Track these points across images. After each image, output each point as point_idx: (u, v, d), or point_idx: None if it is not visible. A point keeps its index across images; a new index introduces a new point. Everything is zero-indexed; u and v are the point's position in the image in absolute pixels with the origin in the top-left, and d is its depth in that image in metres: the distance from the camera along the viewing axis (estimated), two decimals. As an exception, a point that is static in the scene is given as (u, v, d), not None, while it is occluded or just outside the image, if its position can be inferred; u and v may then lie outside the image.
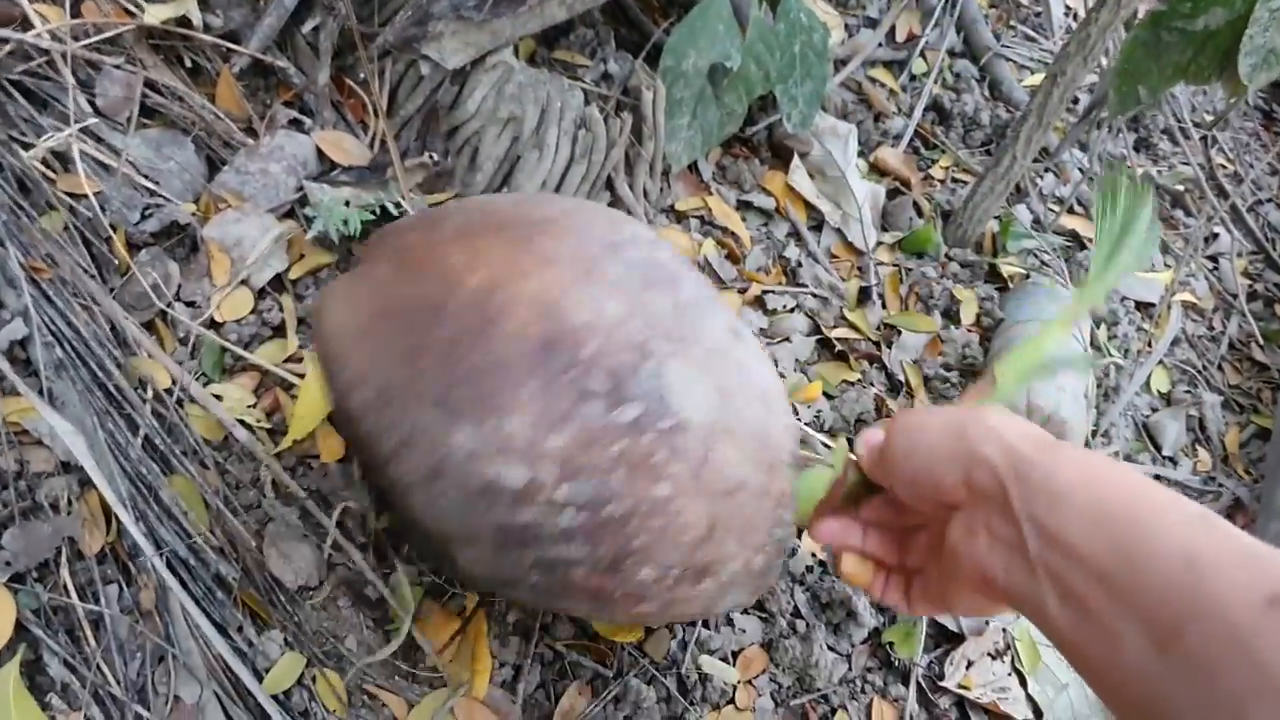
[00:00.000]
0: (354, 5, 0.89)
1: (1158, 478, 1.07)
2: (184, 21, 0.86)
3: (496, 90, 0.89)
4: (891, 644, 0.81)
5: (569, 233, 0.55)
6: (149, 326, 0.77)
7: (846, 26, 1.33)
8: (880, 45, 1.32)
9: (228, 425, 0.73)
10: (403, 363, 0.51)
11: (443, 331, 0.51)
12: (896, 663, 0.81)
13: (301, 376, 0.77)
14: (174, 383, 0.73)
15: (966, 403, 0.54)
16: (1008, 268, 1.14)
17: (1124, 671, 0.36)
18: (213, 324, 0.78)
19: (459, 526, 0.50)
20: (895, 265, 1.11)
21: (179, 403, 0.73)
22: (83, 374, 0.70)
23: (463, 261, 0.53)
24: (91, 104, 0.83)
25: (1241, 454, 1.14)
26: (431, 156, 0.90)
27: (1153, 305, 1.22)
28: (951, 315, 1.08)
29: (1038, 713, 0.83)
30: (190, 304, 0.79)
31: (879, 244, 1.12)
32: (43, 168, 0.78)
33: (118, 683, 0.61)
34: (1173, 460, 1.10)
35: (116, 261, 0.77)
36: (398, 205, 0.84)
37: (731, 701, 0.75)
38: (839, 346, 0.99)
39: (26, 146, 0.78)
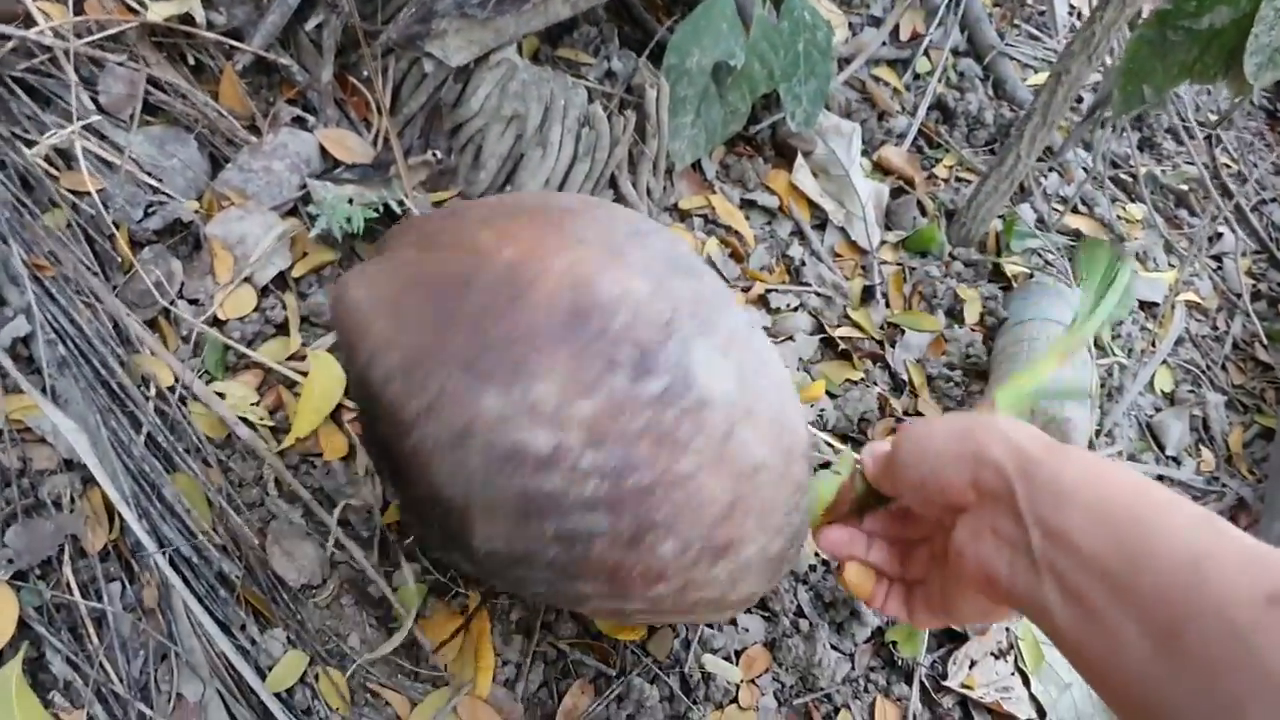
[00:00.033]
0: (357, 3, 0.89)
1: (1161, 478, 1.06)
2: (187, 19, 0.86)
3: (500, 88, 0.89)
4: (895, 643, 0.81)
5: (595, 220, 0.56)
6: (152, 324, 0.77)
7: (850, 25, 1.33)
8: (884, 44, 1.32)
9: (230, 423, 0.73)
10: (430, 330, 0.51)
11: (472, 301, 0.51)
12: (900, 662, 0.81)
13: (304, 374, 0.77)
14: (177, 380, 0.73)
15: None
16: (1011, 267, 1.14)
17: (1125, 670, 0.36)
18: (215, 322, 0.78)
19: (481, 494, 0.49)
20: (899, 264, 1.11)
21: (182, 400, 0.73)
22: (85, 371, 0.70)
23: (492, 239, 0.54)
24: (94, 101, 0.83)
25: (1245, 454, 1.14)
26: (435, 154, 0.89)
27: (1157, 305, 1.22)
28: (955, 314, 1.08)
29: (1041, 712, 0.83)
30: (193, 302, 0.79)
31: (882, 243, 1.12)
32: (45, 165, 0.78)
33: (120, 680, 0.61)
34: (1176, 460, 1.10)
35: (119, 259, 0.77)
36: (401, 203, 0.84)
37: (734, 700, 0.75)
38: (842, 345, 0.99)
39: (29, 144, 0.78)
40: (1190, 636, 0.34)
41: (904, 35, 1.36)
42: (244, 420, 0.73)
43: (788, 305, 1.00)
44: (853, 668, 0.79)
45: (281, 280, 0.82)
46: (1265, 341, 1.27)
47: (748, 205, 1.08)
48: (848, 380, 0.97)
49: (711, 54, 0.98)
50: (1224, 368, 1.22)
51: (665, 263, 0.55)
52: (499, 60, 0.89)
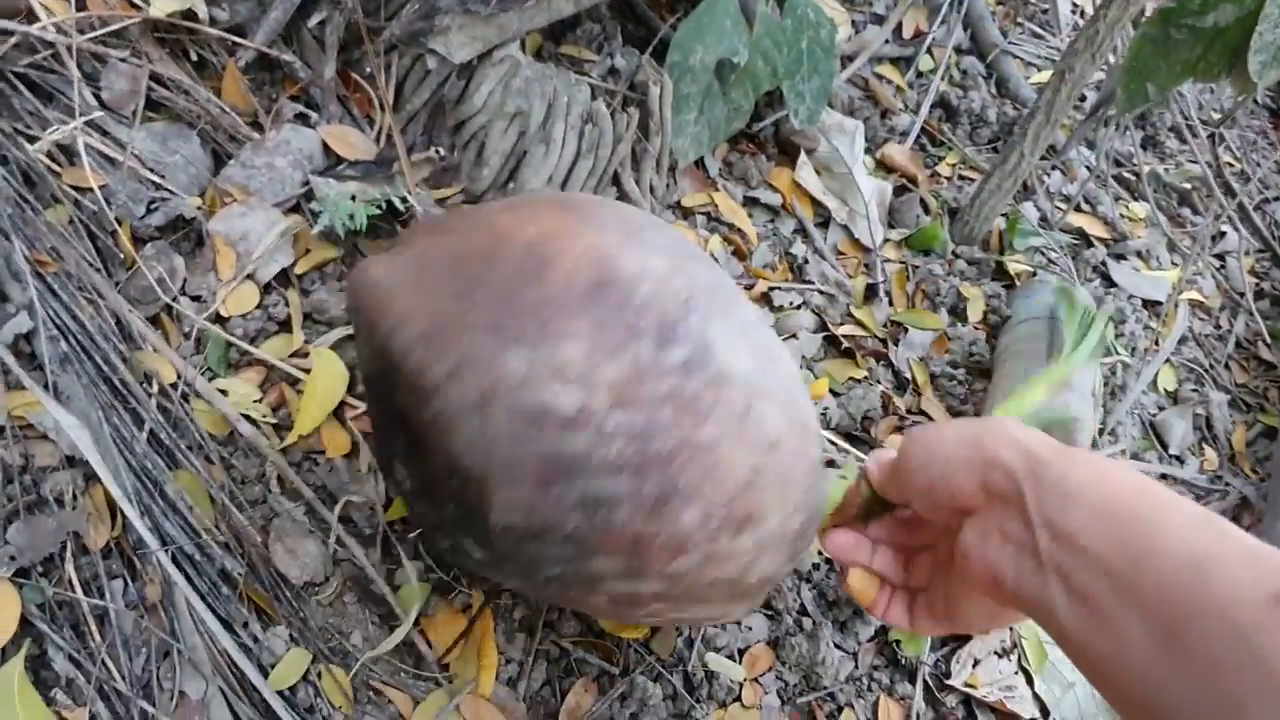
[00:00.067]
0: (360, -1, 0.89)
1: (1164, 477, 1.06)
2: (190, 15, 0.85)
3: (503, 85, 0.88)
4: (898, 642, 0.81)
5: (611, 210, 0.58)
6: (154, 321, 0.77)
7: (853, 23, 1.33)
8: (887, 42, 1.32)
9: (233, 420, 0.72)
10: (453, 299, 0.52)
11: (495, 271, 0.52)
12: (903, 661, 0.81)
13: (307, 371, 0.77)
14: (179, 377, 0.73)
15: None
16: (1014, 265, 1.14)
17: (1128, 670, 0.36)
18: (218, 318, 0.78)
19: (503, 458, 0.48)
20: (902, 262, 1.10)
21: (184, 397, 0.73)
22: (88, 368, 0.70)
23: (513, 222, 0.55)
24: (97, 97, 0.82)
25: (1248, 453, 1.14)
26: (438, 151, 0.89)
27: (1160, 304, 1.22)
28: (958, 313, 1.08)
29: (1044, 711, 0.83)
30: (196, 298, 0.79)
31: (886, 241, 1.12)
32: (48, 161, 0.78)
33: (122, 678, 0.61)
34: (1179, 459, 1.10)
35: (122, 255, 0.77)
36: (404, 200, 0.84)
37: (738, 699, 0.74)
38: (845, 344, 0.99)
39: (32, 139, 0.78)
40: (1193, 636, 0.34)
41: (907, 33, 1.35)
42: (246, 417, 0.73)
43: (791, 303, 1.00)
44: (856, 666, 0.79)
45: (284, 277, 0.82)
46: (1268, 340, 1.27)
47: (751, 203, 1.08)
48: (851, 379, 0.97)
49: (715, 51, 0.98)
50: (1227, 366, 1.22)
51: (681, 248, 0.56)
52: (502, 57, 0.88)
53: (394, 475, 0.58)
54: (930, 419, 0.97)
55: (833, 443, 0.90)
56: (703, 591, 0.53)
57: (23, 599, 0.61)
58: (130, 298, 0.76)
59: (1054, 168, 1.33)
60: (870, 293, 1.06)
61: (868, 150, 1.18)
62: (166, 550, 0.64)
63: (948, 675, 0.81)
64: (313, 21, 0.90)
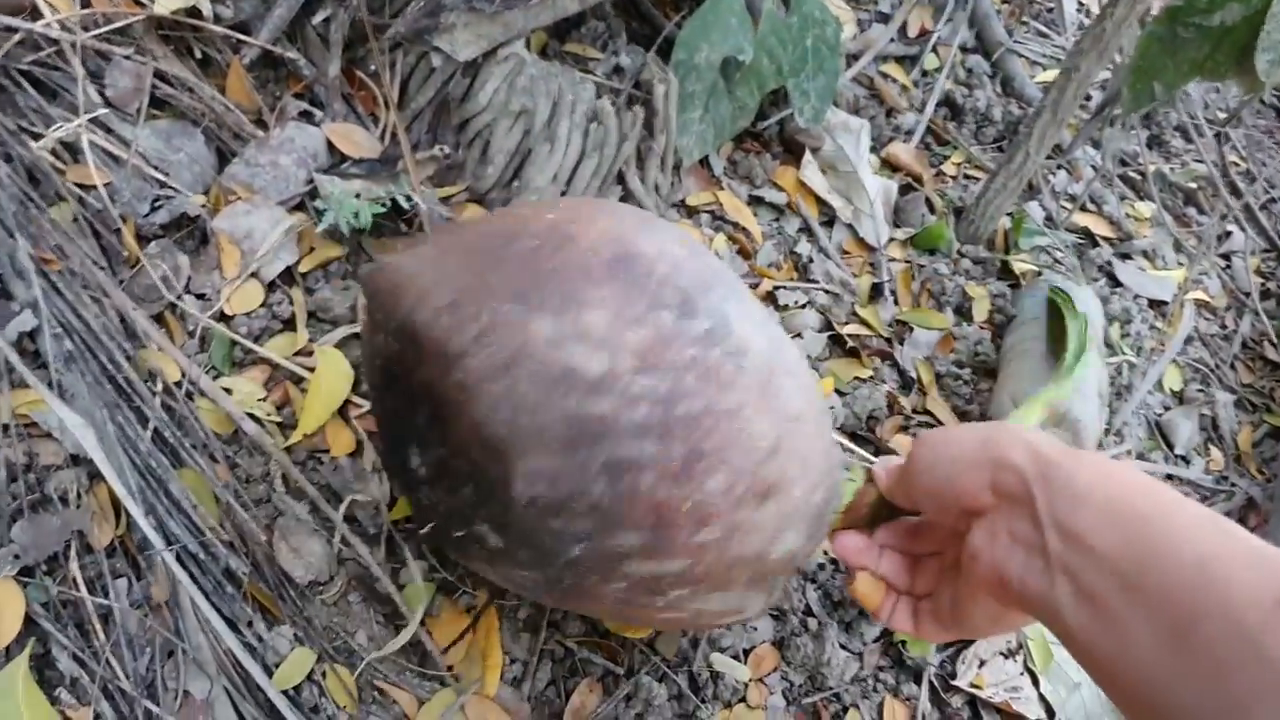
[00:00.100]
0: (365, -4, 0.89)
1: (1170, 477, 1.06)
2: (194, 12, 0.85)
3: (508, 83, 0.88)
4: (904, 643, 0.81)
5: (623, 206, 0.60)
6: (158, 319, 0.76)
7: (858, 21, 1.32)
8: (892, 40, 1.31)
9: (237, 419, 0.72)
10: (477, 272, 0.52)
11: (518, 246, 0.53)
12: (909, 661, 0.80)
13: (311, 370, 0.76)
14: (184, 376, 0.73)
15: None
16: (1020, 265, 1.14)
17: (1134, 670, 0.37)
18: (222, 317, 0.78)
19: (528, 422, 0.48)
20: (907, 261, 1.10)
21: (189, 396, 0.73)
22: (92, 366, 0.70)
23: (530, 211, 0.56)
24: (101, 95, 0.82)
25: (1254, 453, 1.14)
26: (442, 149, 0.89)
27: (1165, 303, 1.21)
28: (963, 312, 1.07)
29: (1050, 712, 0.82)
30: (200, 296, 0.78)
31: (891, 240, 1.11)
32: (52, 158, 0.78)
33: (127, 677, 0.61)
34: (1185, 459, 1.09)
35: (126, 253, 0.77)
36: (408, 198, 0.83)
37: (743, 700, 0.74)
38: (850, 343, 0.99)
39: (36, 137, 0.78)
40: (1199, 636, 0.34)
41: (912, 32, 1.35)
42: (251, 416, 0.73)
43: (795, 302, 1.00)
44: (861, 667, 0.79)
45: (289, 275, 0.82)
46: (1274, 340, 1.26)
47: (755, 202, 1.08)
48: (856, 378, 0.97)
49: (720, 49, 0.98)
50: (1233, 367, 1.22)
51: (692, 242, 0.57)
52: (507, 55, 0.88)
53: (408, 465, 0.57)
54: (935, 419, 0.97)
55: (838, 443, 0.90)
56: (724, 572, 0.53)
57: (27, 598, 0.61)
58: (134, 296, 0.76)
59: (1059, 167, 1.32)
60: (875, 292, 1.05)
61: (873, 149, 1.18)
62: (171, 549, 0.64)
63: (953, 676, 0.81)
64: (317, 19, 0.90)
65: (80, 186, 0.78)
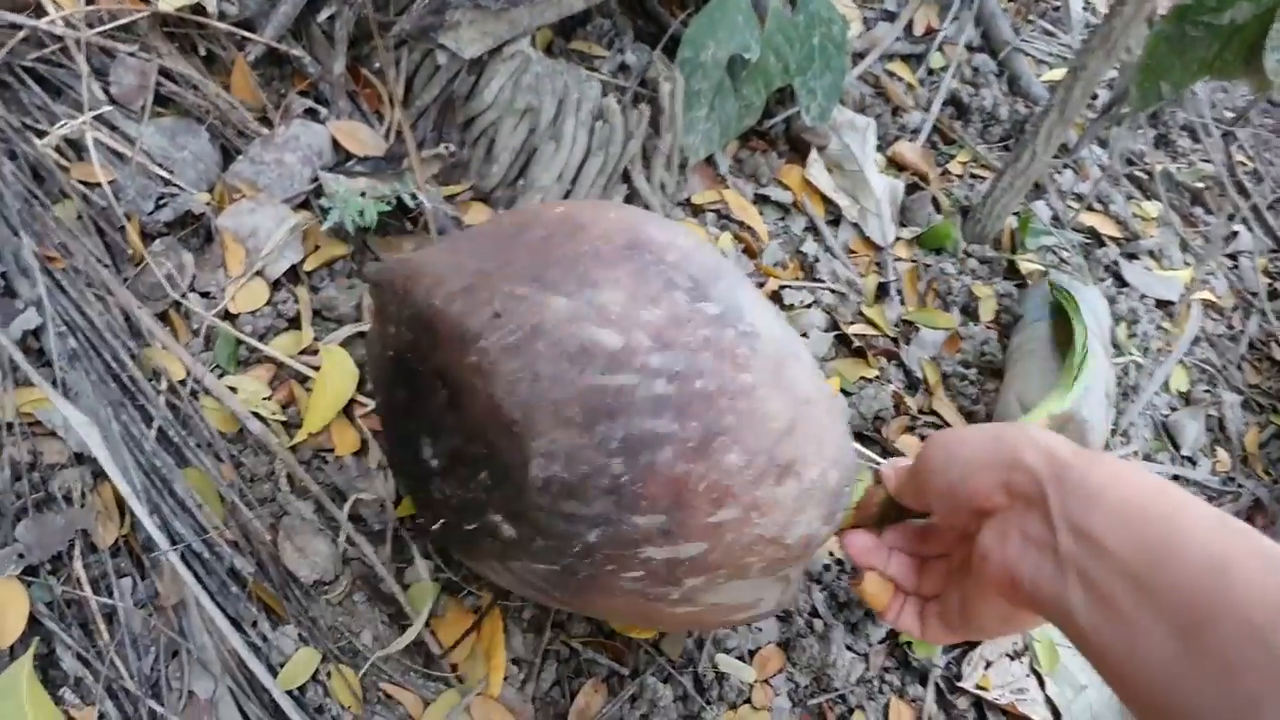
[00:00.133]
0: (370, -6, 0.88)
1: (1176, 478, 1.05)
2: (199, 9, 0.85)
3: (513, 81, 0.88)
4: (910, 644, 0.81)
5: (631, 206, 0.61)
6: (163, 317, 0.76)
7: (864, 19, 1.32)
8: (898, 39, 1.31)
9: (242, 418, 0.72)
10: (492, 257, 0.53)
11: (531, 234, 0.54)
12: (914, 663, 0.80)
13: (316, 369, 0.76)
14: (188, 374, 0.73)
15: None
16: (1026, 264, 1.13)
17: (1146, 670, 0.37)
18: (227, 315, 0.78)
19: (546, 398, 0.48)
20: (913, 261, 1.10)
21: (193, 394, 0.73)
22: (96, 365, 0.70)
23: (541, 206, 0.58)
24: (105, 92, 0.82)
25: (1261, 454, 1.13)
26: (447, 147, 0.89)
27: (1172, 304, 1.21)
28: (970, 312, 1.07)
29: (1056, 714, 0.82)
30: (205, 295, 0.78)
31: (897, 239, 1.11)
32: (56, 156, 0.77)
33: (131, 677, 0.61)
34: (1192, 460, 1.09)
35: (130, 251, 0.77)
36: (413, 196, 0.83)
37: (748, 701, 0.74)
38: (857, 343, 0.98)
39: (40, 134, 0.78)
40: (1210, 637, 0.34)
41: (918, 30, 1.34)
42: (256, 415, 0.73)
43: (801, 302, 1.00)
44: (867, 668, 0.78)
45: (293, 274, 0.82)
46: (1281, 341, 1.26)
47: (761, 200, 1.07)
48: (862, 378, 0.97)
49: (726, 47, 0.97)
50: (1240, 367, 1.21)
51: (699, 236, 0.58)
52: (513, 52, 0.88)
53: (419, 457, 0.57)
54: (941, 419, 0.97)
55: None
56: (741, 556, 0.52)
57: (31, 597, 0.61)
58: (139, 294, 0.75)
59: (1066, 166, 1.32)
60: (881, 291, 1.05)
61: (879, 148, 1.17)
62: (175, 549, 0.64)
63: (959, 678, 0.81)
64: (322, 16, 0.89)
65: (85, 184, 0.77)
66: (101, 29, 0.81)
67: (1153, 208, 1.33)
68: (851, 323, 1.00)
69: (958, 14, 1.36)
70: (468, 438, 0.53)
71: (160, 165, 0.81)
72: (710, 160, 1.07)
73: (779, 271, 1.02)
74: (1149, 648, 0.36)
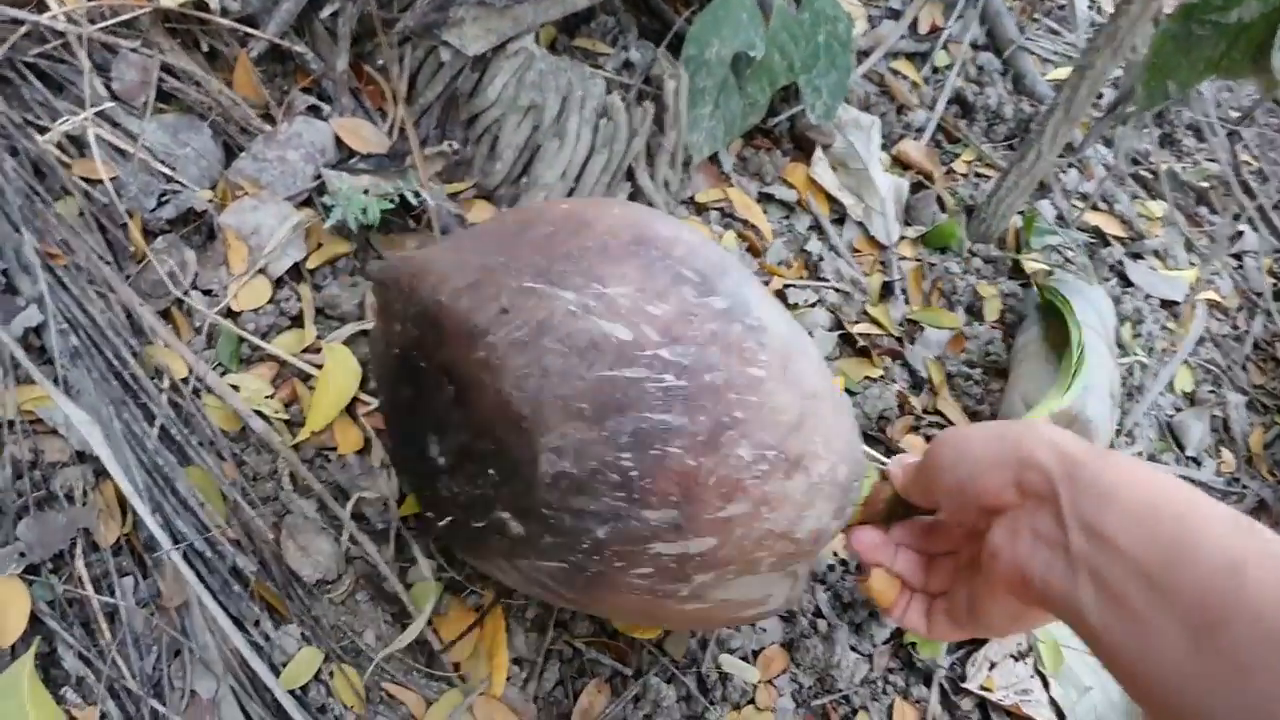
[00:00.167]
0: (373, -10, 0.88)
1: (1181, 478, 1.05)
2: (201, 5, 0.84)
3: (517, 78, 0.87)
4: (914, 645, 0.80)
5: (635, 203, 0.61)
6: (165, 315, 0.76)
7: (869, 17, 1.31)
8: (903, 37, 1.30)
9: (245, 416, 0.72)
10: (498, 253, 0.53)
11: (536, 231, 0.54)
12: (919, 664, 0.80)
13: (319, 367, 0.76)
14: (190, 372, 0.72)
15: None
16: (1031, 264, 1.13)
17: (1159, 670, 0.37)
18: (229, 313, 0.77)
19: (555, 393, 0.48)
20: (918, 260, 1.09)
21: (195, 392, 0.72)
22: (98, 362, 0.69)
23: (544, 204, 0.58)
24: (107, 88, 0.81)
25: (1266, 455, 1.13)
26: (451, 145, 0.88)
27: (1177, 304, 1.20)
28: (975, 311, 1.07)
29: (1060, 715, 0.82)
30: (207, 292, 0.78)
31: (902, 238, 1.10)
32: (58, 152, 0.77)
33: (133, 676, 0.61)
34: (1196, 461, 1.08)
35: (132, 248, 0.76)
36: (417, 194, 0.82)
37: (752, 701, 0.74)
38: (861, 342, 0.98)
39: (42, 130, 0.77)
40: (1224, 637, 0.34)
41: (923, 28, 1.34)
42: (258, 413, 0.72)
43: (805, 301, 0.99)
44: (871, 669, 0.78)
45: (296, 271, 0.81)
46: (1286, 341, 1.25)
47: (765, 199, 1.07)
48: (866, 377, 0.96)
49: (731, 45, 0.97)
50: (1244, 368, 1.21)
51: (703, 234, 0.58)
52: (516, 49, 0.87)
53: (426, 455, 0.56)
54: (946, 419, 0.96)
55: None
56: (752, 550, 0.52)
57: (32, 596, 0.60)
58: (141, 291, 0.75)
59: (1071, 165, 1.31)
60: (886, 290, 1.05)
61: (883, 146, 1.17)
62: (178, 548, 0.63)
63: (963, 679, 0.81)
64: (325, 13, 0.89)
65: (86, 181, 0.77)
66: (103, 24, 0.81)
67: (1158, 207, 1.32)
68: (856, 322, 1.00)
69: (962, 12, 1.36)
70: (475, 434, 0.52)
71: (162, 162, 0.81)
72: (714, 158, 1.06)
73: (783, 270, 1.01)
74: (1161, 648, 0.36)
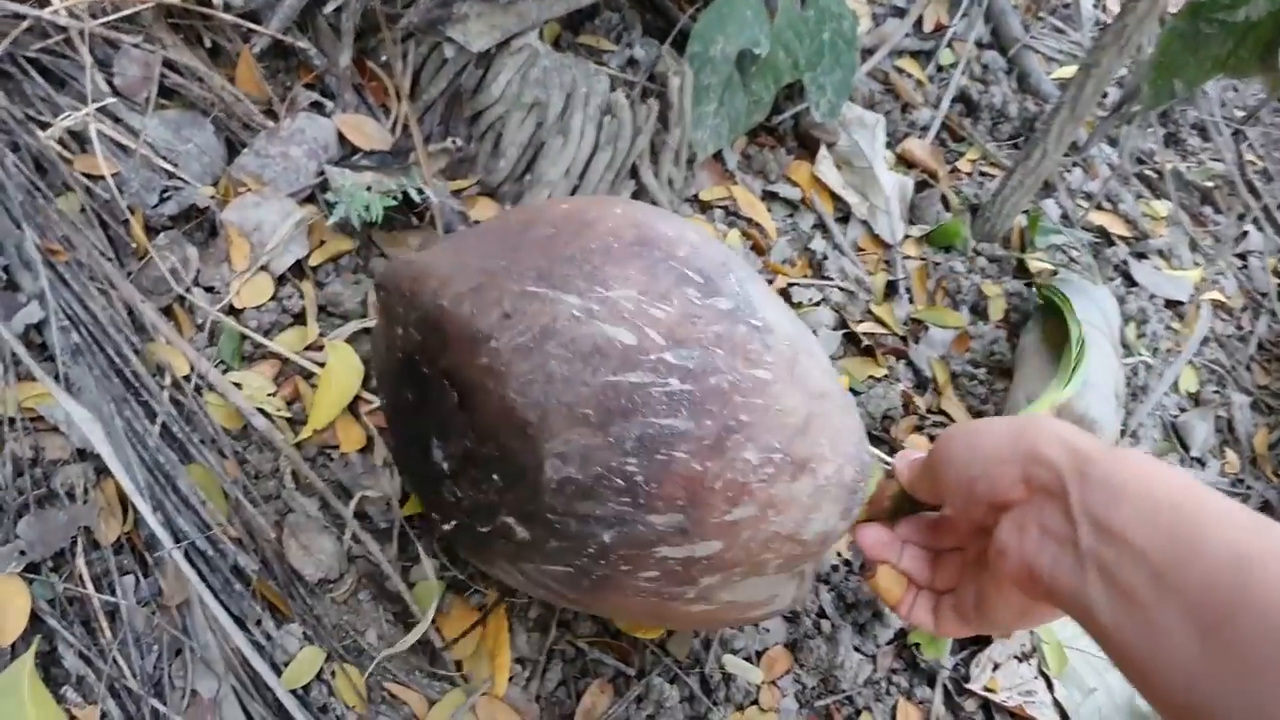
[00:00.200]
0: (377, -14, 0.88)
1: (1186, 479, 1.05)
2: (203, 0, 0.84)
3: (521, 75, 0.87)
4: (918, 645, 0.80)
5: (636, 201, 0.60)
6: (167, 312, 0.76)
7: (874, 15, 1.31)
8: (907, 35, 1.30)
9: (247, 414, 0.71)
10: (500, 256, 0.52)
11: (537, 233, 0.53)
12: (922, 664, 0.79)
13: (322, 365, 0.75)
14: (192, 370, 0.72)
15: None
16: (1035, 263, 1.12)
17: (1168, 666, 0.36)
18: (232, 310, 0.77)
19: (560, 399, 0.48)
20: (922, 259, 1.09)
21: (197, 390, 0.72)
22: (99, 359, 0.69)
23: (545, 204, 0.57)
24: (109, 83, 0.81)
25: (1270, 456, 1.12)
26: (454, 142, 0.88)
27: (1181, 304, 1.20)
28: (979, 311, 1.06)
29: (1064, 716, 0.81)
30: (209, 289, 0.77)
31: (906, 237, 1.10)
32: (59, 148, 0.77)
33: (133, 676, 0.60)
34: (1201, 461, 1.08)
35: (134, 244, 0.76)
36: (420, 191, 0.82)
37: (755, 702, 0.73)
38: (865, 341, 0.98)
39: (43, 126, 0.77)
40: (1234, 633, 0.34)
41: (927, 26, 1.33)
42: (260, 411, 0.72)
43: (810, 300, 0.99)
44: (875, 670, 0.78)
45: (299, 269, 0.81)
46: (1291, 342, 1.25)
47: (769, 197, 1.06)
48: (871, 377, 0.96)
49: (736, 42, 0.96)
50: (1249, 368, 1.20)
51: (705, 232, 0.57)
52: (520, 46, 0.87)
53: (429, 460, 0.56)
54: (950, 419, 0.96)
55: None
56: (758, 553, 0.52)
57: (33, 594, 0.60)
58: (142, 288, 0.75)
59: (1075, 165, 1.31)
60: (890, 289, 1.04)
61: (888, 145, 1.16)
62: (179, 546, 0.63)
63: (967, 679, 0.80)
64: (329, 8, 0.88)
65: (88, 176, 0.77)
66: (105, 20, 0.81)
67: (1162, 207, 1.32)
68: (860, 321, 1.00)
69: (967, 10, 1.35)
70: (479, 439, 0.52)
71: (164, 158, 0.80)
72: (718, 156, 1.06)
73: (787, 269, 1.01)
74: (1169, 644, 0.36)
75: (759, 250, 1.01)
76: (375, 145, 0.86)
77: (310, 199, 0.84)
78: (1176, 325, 1.17)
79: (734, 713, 0.72)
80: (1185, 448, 1.08)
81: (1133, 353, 1.10)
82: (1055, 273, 1.11)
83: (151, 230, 0.78)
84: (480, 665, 0.69)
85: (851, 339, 0.98)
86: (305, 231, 0.81)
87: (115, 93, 0.81)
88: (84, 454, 0.66)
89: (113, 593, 0.62)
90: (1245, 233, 1.36)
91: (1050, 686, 0.83)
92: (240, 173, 0.82)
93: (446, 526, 0.58)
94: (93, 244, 0.74)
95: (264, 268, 0.79)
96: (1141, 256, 1.23)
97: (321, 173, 0.83)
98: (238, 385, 0.73)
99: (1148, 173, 1.37)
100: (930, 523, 0.56)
